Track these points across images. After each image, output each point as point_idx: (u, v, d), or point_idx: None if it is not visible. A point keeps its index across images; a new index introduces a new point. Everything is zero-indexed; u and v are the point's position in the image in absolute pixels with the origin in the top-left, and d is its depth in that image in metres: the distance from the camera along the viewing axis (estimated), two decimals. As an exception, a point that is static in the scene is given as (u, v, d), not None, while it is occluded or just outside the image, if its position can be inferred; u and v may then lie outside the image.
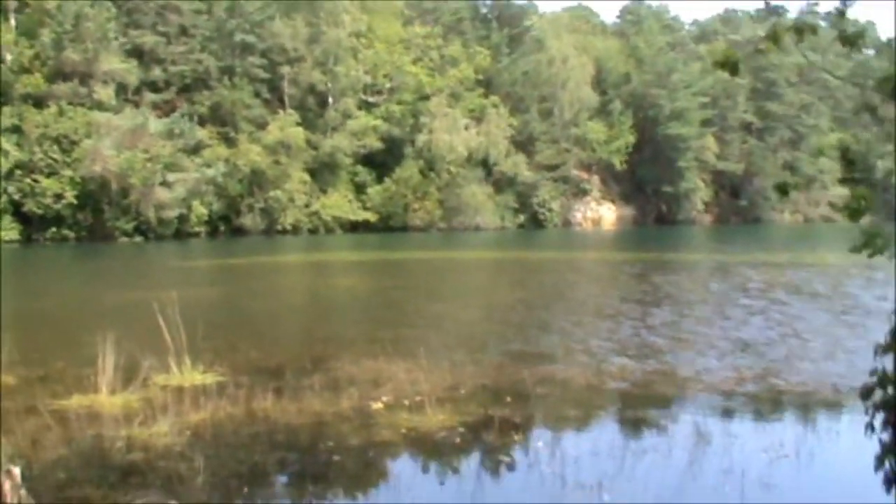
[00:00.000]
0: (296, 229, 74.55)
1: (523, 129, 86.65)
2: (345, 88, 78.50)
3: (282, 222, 73.95)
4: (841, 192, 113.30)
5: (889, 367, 8.89)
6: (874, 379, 8.87)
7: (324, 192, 76.57)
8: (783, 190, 12.58)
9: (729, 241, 64.18)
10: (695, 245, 63.81)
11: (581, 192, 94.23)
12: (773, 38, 8.98)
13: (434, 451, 10.79)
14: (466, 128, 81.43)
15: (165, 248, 58.48)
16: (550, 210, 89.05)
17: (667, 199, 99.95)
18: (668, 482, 9.52)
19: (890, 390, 8.82)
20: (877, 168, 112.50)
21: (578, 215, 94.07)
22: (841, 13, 8.68)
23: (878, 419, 8.76)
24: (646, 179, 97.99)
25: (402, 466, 10.28)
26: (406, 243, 61.16)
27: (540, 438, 11.22)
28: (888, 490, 8.63)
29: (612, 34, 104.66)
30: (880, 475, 9.03)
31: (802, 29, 8.21)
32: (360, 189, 79.58)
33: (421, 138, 79.53)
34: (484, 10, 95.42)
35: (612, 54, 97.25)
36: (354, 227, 76.69)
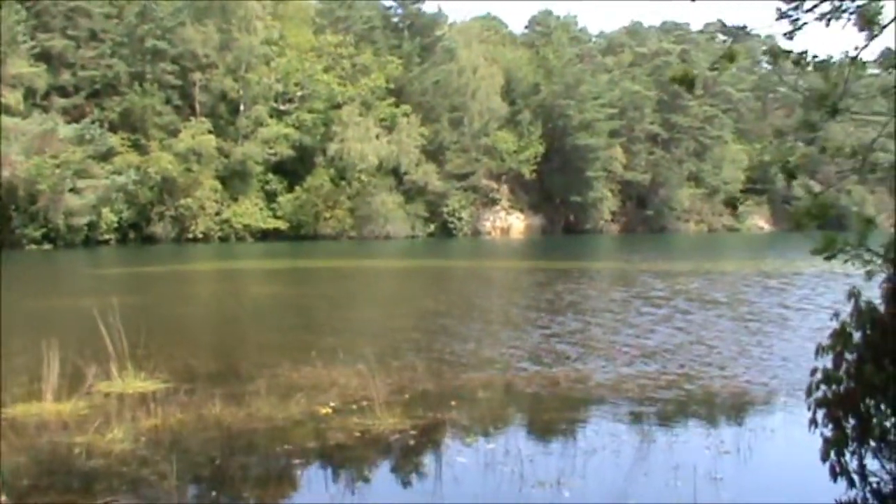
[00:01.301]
0: (206, 237, 73.98)
1: (434, 138, 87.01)
2: (256, 96, 78.16)
3: (192, 230, 73.41)
4: (744, 202, 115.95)
5: (829, 365, 9.37)
6: (817, 377, 9.35)
7: (235, 200, 76.15)
8: (733, 204, 12.89)
9: (634, 250, 65.23)
10: (601, 254, 64.90)
11: (490, 202, 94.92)
12: (729, 57, 9.37)
13: (391, 452, 11.05)
14: (378, 137, 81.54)
15: (76, 256, 57.60)
16: (460, 219, 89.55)
17: (575, 209, 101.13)
18: (623, 479, 9.88)
19: (833, 388, 9.29)
20: (778, 179, 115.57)
21: (488, 224, 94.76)
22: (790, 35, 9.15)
23: (820, 415, 9.23)
24: (554, 189, 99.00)
25: (362, 468, 10.49)
26: (319, 252, 61.06)
27: (491, 440, 11.52)
28: (834, 479, 9.09)
29: (521, 44, 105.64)
30: (817, 465, 9.51)
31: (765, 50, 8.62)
32: (270, 197, 79.26)
33: (332, 147, 79.43)
34: (395, 20, 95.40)
35: (522, 65, 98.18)
36: (265, 235, 76.34)
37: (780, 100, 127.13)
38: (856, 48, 9.17)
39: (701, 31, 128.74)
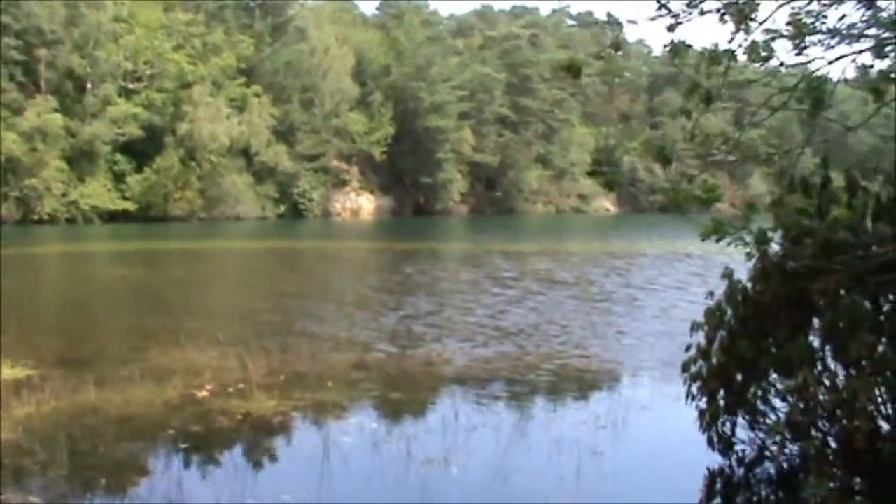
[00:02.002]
0: (53, 219, 71.88)
1: (285, 119, 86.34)
2: (104, 74, 76.15)
3: (38, 212, 71.10)
4: (589, 184, 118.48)
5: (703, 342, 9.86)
6: (692, 353, 9.83)
7: (82, 180, 74.11)
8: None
9: (483, 231, 66.10)
10: (450, 235, 65.59)
11: (341, 183, 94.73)
12: (615, 46, 9.69)
13: (275, 434, 11.13)
14: (228, 117, 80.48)
15: (-89, 239, 55.51)
16: (311, 200, 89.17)
17: (425, 190, 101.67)
18: (507, 453, 10.20)
19: (707, 363, 9.78)
20: (623, 162, 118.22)
21: (338, 205, 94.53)
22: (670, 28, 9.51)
23: (695, 388, 9.73)
24: (405, 170, 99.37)
25: (250, 450, 10.51)
26: (170, 233, 60.17)
27: (373, 420, 11.75)
28: (713, 448, 9.59)
29: (372, 26, 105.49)
30: (689, 437, 10.05)
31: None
32: (119, 178, 77.42)
33: (182, 127, 78.08)
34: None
35: (373, 46, 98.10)
36: (113, 217, 74.56)
37: (625, 85, 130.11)
38: (730, 41, 9.59)
39: (549, 16, 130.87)
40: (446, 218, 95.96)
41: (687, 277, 31.30)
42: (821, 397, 8.36)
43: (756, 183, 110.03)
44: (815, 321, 8.87)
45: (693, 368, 9.90)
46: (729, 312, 9.30)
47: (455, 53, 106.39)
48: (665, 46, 9.32)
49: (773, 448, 9.97)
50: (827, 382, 8.39)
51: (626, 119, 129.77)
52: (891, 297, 8.16)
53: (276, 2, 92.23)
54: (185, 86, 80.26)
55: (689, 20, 9.18)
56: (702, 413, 9.75)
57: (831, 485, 7.70)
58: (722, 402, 9.53)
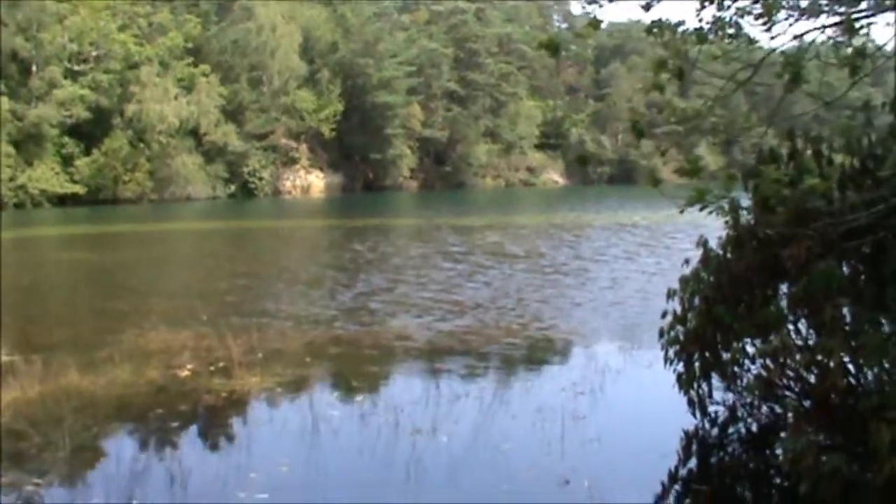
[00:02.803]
0: (0, 205, 71.20)
1: (233, 98, 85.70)
2: (50, 56, 75.07)
3: (-15, 197, 70.36)
4: (538, 157, 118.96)
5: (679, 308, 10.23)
6: (669, 319, 10.22)
7: (29, 164, 73.04)
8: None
9: (432, 206, 66.13)
10: (400, 210, 65.77)
11: (290, 161, 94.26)
12: (595, 24, 9.97)
13: (263, 410, 11.36)
14: (176, 97, 79.77)
15: None
16: (261, 179, 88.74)
17: (374, 167, 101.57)
18: (493, 421, 10.58)
19: (684, 328, 10.17)
20: (571, 134, 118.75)
21: (288, 184, 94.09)
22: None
23: (672, 352, 10.13)
24: (354, 147, 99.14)
25: (240, 427, 10.75)
26: (121, 216, 59.59)
27: (357, 393, 12.00)
28: (693, 412, 9.99)
29: (318, 3, 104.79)
30: (665, 400, 10.48)
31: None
32: (67, 161, 76.40)
33: (130, 108, 77.18)
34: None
35: (320, 23, 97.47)
36: (62, 200, 73.57)
37: (572, 58, 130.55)
38: (698, 18, 9.92)
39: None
40: (396, 193, 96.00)
41: (635, 248, 31.94)
42: (796, 357, 8.75)
43: (702, 153, 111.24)
44: (787, 285, 9.29)
45: (671, 334, 10.29)
46: (705, 278, 9.67)
47: (402, 29, 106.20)
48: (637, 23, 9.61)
49: (745, 409, 10.42)
50: (800, 344, 8.78)
51: (573, 92, 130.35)
52: (853, 261, 8.53)
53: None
54: (131, 66, 79.35)
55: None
56: (679, 376, 10.15)
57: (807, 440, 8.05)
58: (698, 366, 9.93)
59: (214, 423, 10.87)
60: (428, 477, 8.79)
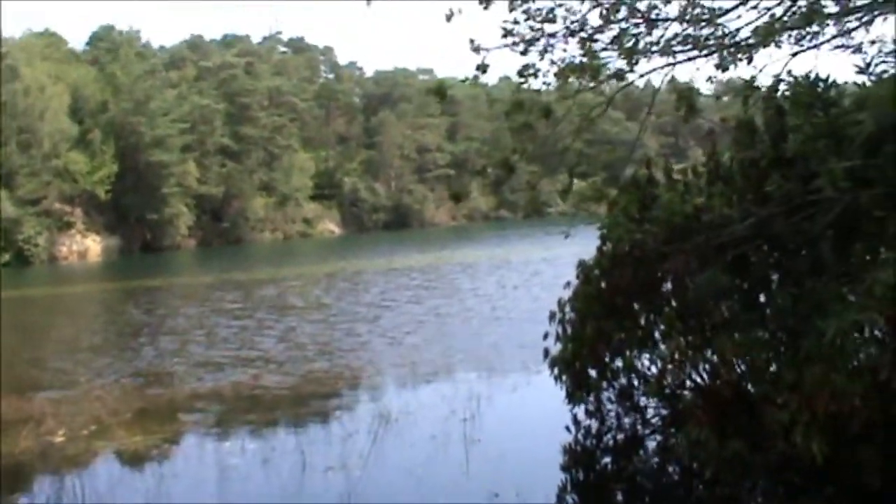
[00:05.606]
0: None
1: (5, 162, 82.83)
2: None
3: None
4: (313, 207, 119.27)
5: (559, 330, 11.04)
6: (554, 340, 11.02)
7: None
8: (458, 197, 14.32)
9: (211, 264, 65.23)
10: (178, 270, 64.50)
11: (65, 226, 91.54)
12: (482, 68, 10.67)
13: (161, 464, 11.28)
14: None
15: None
16: (36, 245, 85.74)
17: (151, 227, 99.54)
18: (397, 452, 11.09)
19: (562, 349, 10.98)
20: (344, 183, 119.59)
21: (64, 249, 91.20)
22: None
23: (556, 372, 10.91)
24: (130, 208, 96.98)
25: (155, 481, 10.53)
26: None
27: (249, 440, 12.18)
28: (577, 425, 10.82)
29: (84, 61, 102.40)
30: (546, 416, 11.32)
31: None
32: None
33: None
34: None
35: (88, 82, 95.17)
36: None
37: (341, 108, 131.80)
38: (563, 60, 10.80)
39: (261, 43, 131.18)
40: (174, 253, 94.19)
41: (417, 291, 32.75)
42: (686, 360, 9.63)
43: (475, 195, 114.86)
44: (670, 297, 10.22)
45: (554, 353, 11.07)
46: (590, 294, 10.49)
47: (171, 86, 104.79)
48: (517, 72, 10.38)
49: (612, 422, 11.28)
50: (688, 350, 9.66)
51: (344, 141, 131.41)
52: (725, 271, 9.47)
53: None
54: None
55: (539, 47, 10.30)
56: (569, 392, 10.95)
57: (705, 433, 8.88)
58: (590, 379, 10.75)
59: (112, 484, 10.68)
60: (365, 508, 9.09)
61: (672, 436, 10.22)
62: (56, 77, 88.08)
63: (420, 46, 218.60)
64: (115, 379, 17.88)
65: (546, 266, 37.54)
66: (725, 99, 11.76)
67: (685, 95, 8.38)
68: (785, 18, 8.91)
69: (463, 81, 10.09)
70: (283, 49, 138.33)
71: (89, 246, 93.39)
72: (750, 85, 8.73)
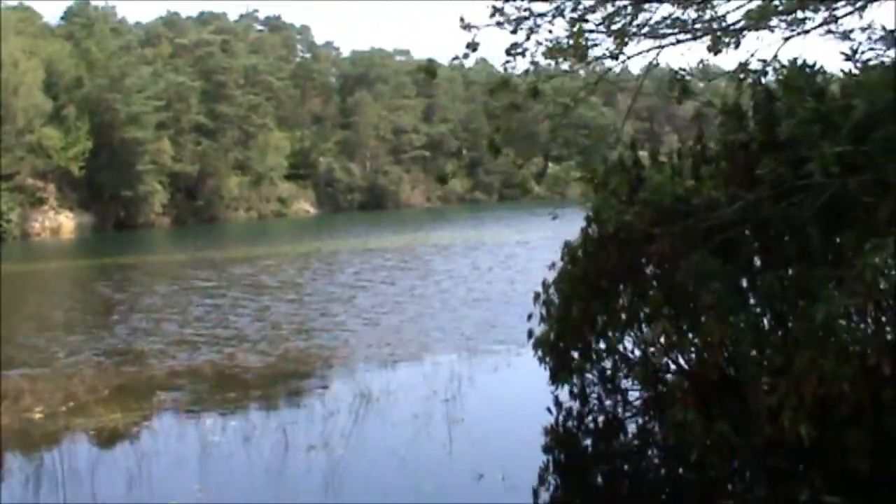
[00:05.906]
0: None
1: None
2: None
3: None
4: (287, 187, 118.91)
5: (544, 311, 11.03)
6: (538, 321, 11.01)
7: None
8: (444, 179, 14.32)
9: (184, 243, 64.41)
10: (153, 248, 64.05)
11: (38, 202, 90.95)
12: (473, 46, 10.60)
13: (141, 442, 11.16)
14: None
15: None
16: (9, 221, 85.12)
17: (125, 204, 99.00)
18: (379, 432, 11.07)
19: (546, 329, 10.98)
20: (320, 163, 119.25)
21: (37, 225, 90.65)
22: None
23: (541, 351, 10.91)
24: (104, 185, 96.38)
25: (122, 461, 10.32)
26: None
27: (230, 418, 12.09)
28: (559, 408, 10.83)
29: (59, 36, 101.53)
30: (528, 397, 11.35)
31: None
32: None
33: None
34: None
35: (63, 58, 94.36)
36: None
37: (317, 87, 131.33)
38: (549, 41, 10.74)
39: (238, 21, 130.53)
40: (149, 231, 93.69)
41: (392, 272, 32.77)
42: (671, 343, 9.65)
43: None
44: (653, 280, 10.22)
45: (538, 335, 11.07)
46: (576, 275, 10.48)
47: (145, 62, 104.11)
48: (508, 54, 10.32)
49: (594, 403, 11.30)
50: (674, 333, 9.67)
51: (319, 121, 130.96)
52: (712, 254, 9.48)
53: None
54: None
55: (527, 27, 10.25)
56: (553, 373, 10.96)
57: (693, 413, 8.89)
58: (573, 360, 10.75)
59: (103, 458, 10.65)
60: (347, 488, 9.07)
61: (653, 419, 10.23)
62: (30, 52, 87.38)
63: (398, 27, 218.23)
64: (90, 356, 17.73)
65: (520, 249, 37.71)
66: (711, 83, 11.71)
67: (679, 78, 8.35)
68: (777, 2, 8.89)
69: (454, 59, 10.01)
70: (259, 27, 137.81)
71: (62, 222, 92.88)
72: (744, 68, 8.72)
